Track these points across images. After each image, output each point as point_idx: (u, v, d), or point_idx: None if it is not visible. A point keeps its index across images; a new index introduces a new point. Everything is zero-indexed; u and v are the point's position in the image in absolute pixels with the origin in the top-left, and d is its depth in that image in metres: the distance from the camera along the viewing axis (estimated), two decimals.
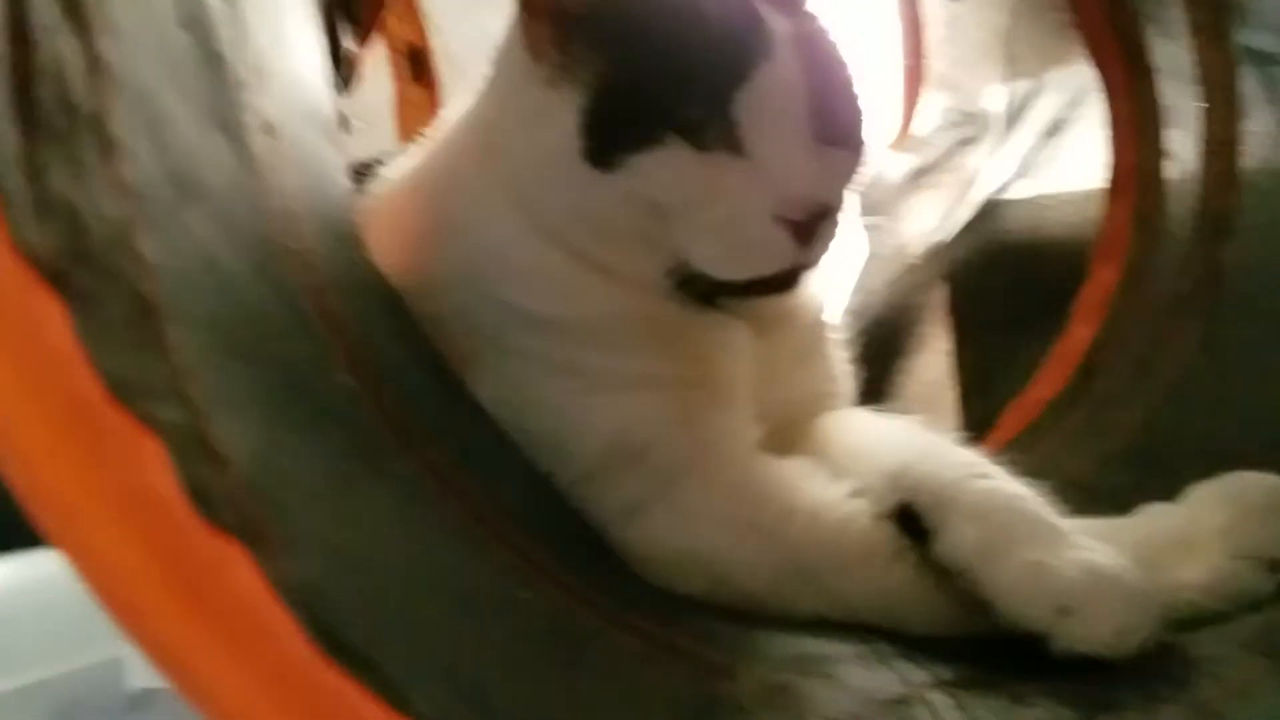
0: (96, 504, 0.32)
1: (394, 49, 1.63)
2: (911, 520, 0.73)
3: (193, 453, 0.35)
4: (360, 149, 1.09)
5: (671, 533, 0.78)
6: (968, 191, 1.46)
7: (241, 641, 0.34)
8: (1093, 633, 0.62)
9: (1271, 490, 0.71)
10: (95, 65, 0.37)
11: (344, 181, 0.81)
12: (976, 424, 1.13)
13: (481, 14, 1.63)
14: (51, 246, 0.33)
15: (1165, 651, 0.63)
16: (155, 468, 0.34)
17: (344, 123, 0.90)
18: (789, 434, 0.89)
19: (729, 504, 0.78)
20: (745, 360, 0.85)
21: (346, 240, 0.76)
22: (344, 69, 1.12)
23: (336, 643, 0.36)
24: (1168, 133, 1.08)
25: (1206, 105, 0.97)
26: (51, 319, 0.33)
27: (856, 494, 0.78)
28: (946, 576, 0.70)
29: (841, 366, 0.98)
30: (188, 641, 0.33)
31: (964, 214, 1.45)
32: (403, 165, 0.96)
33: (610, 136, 0.73)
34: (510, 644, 0.50)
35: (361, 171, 0.96)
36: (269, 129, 0.59)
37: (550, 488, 0.80)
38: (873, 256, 1.40)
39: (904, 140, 1.52)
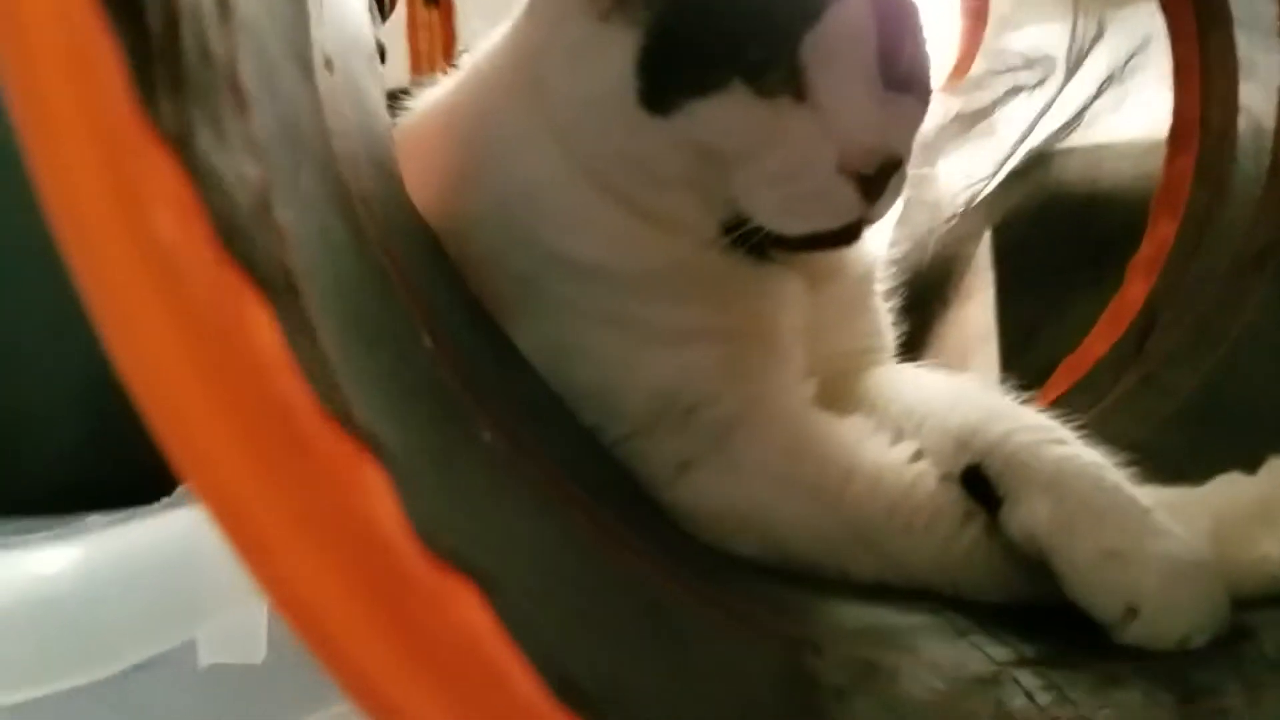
0: (309, 535, 0.29)
1: None
2: (979, 484, 0.71)
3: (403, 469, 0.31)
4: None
5: (723, 491, 0.75)
6: (1020, 139, 1.42)
7: (470, 686, 0.31)
8: (1158, 635, 0.61)
9: None
10: (224, 4, 0.34)
11: (385, 116, 0.78)
12: (1020, 379, 1.10)
13: None
14: (211, 229, 0.29)
15: (1253, 630, 0.61)
16: (376, 494, 0.30)
17: (382, 53, 0.86)
18: (835, 389, 0.86)
19: (784, 462, 0.76)
20: (798, 313, 0.82)
21: (392, 179, 0.73)
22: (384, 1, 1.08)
23: (567, 684, 0.33)
24: (1240, 85, 1.04)
25: None
26: (259, 325, 0.30)
27: (919, 455, 0.76)
28: (1014, 544, 0.68)
29: (886, 319, 0.95)
30: (409, 691, 0.30)
31: (1016, 161, 1.42)
32: (430, 97, 0.92)
33: (669, 79, 0.70)
34: (616, 625, 0.48)
35: (388, 101, 0.93)
36: (329, 63, 0.56)
37: (598, 444, 0.77)
38: (919, 203, 1.37)
39: (960, 81, 1.48)
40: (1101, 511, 0.65)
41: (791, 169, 0.69)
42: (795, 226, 0.72)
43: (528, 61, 0.79)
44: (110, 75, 0.28)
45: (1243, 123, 1.05)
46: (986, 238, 1.42)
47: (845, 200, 0.69)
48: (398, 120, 0.90)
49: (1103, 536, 0.64)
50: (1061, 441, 0.70)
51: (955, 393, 0.80)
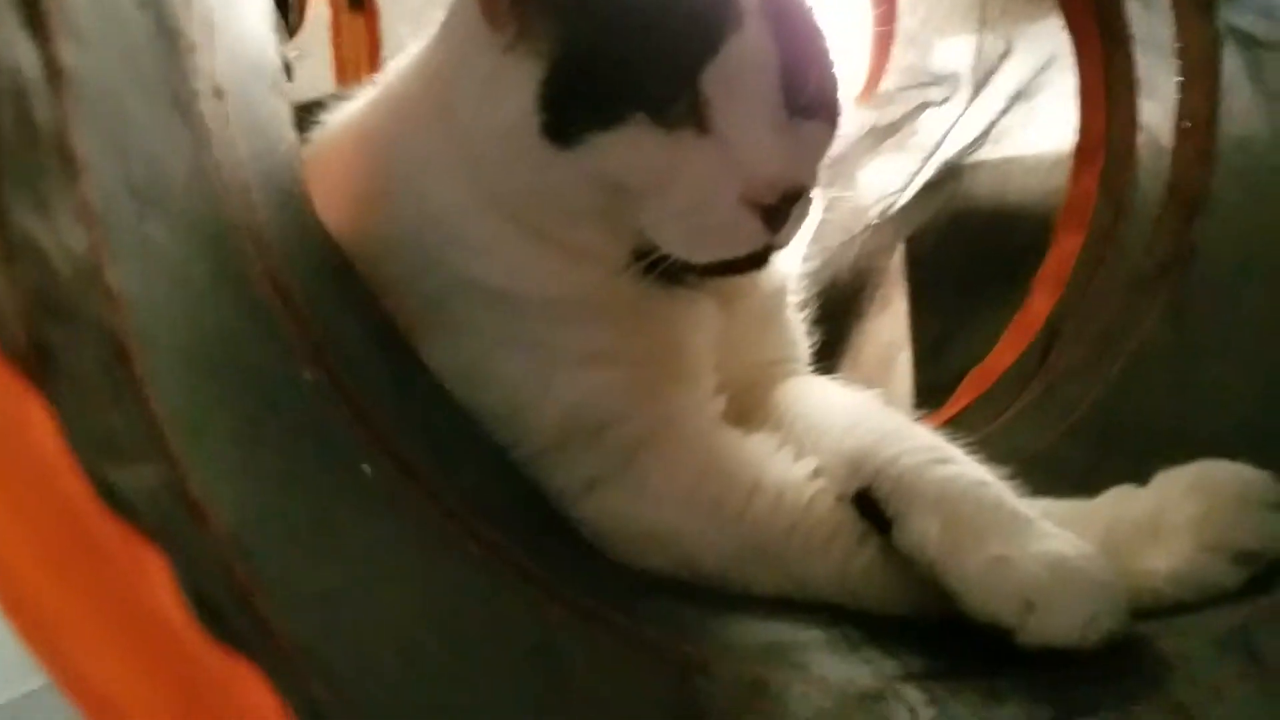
0: (97, 627, 0.28)
1: None
2: (869, 506, 0.72)
3: (185, 537, 0.31)
4: (295, 80, 1.04)
5: (631, 509, 0.76)
6: (930, 153, 1.44)
7: None
8: (1058, 627, 0.60)
9: (1245, 482, 0.70)
10: (55, 73, 0.33)
11: (290, 135, 0.77)
12: (932, 388, 1.13)
13: None
14: (21, 302, 0.28)
15: (1136, 645, 0.62)
16: (158, 583, 0.30)
17: (288, 70, 0.85)
18: (747, 401, 0.87)
19: (690, 481, 0.76)
20: (709, 332, 0.83)
21: (293, 199, 0.71)
22: (290, 13, 1.07)
23: None
24: (1141, 104, 1.07)
25: (1185, 81, 0.95)
26: (35, 421, 0.29)
27: (818, 473, 0.76)
28: (909, 562, 0.69)
29: (799, 331, 0.96)
30: None
31: (926, 175, 1.44)
32: (344, 113, 0.91)
33: (570, 112, 0.69)
34: (498, 669, 0.48)
35: (303, 114, 0.92)
36: (219, 93, 0.55)
37: (507, 462, 0.77)
38: (830, 216, 1.39)
39: (869, 97, 1.50)
40: (986, 524, 0.66)
41: (695, 201, 0.69)
42: (702, 255, 0.72)
43: (438, 87, 0.79)
44: None
45: (1143, 141, 1.07)
46: (899, 250, 1.44)
47: (750, 230, 0.69)
48: (311, 135, 0.90)
49: (989, 546, 0.64)
50: (946, 460, 0.71)
51: (853, 413, 0.80)
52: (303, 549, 0.38)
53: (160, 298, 0.38)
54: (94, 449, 0.29)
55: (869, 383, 0.89)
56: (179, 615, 0.30)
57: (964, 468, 0.70)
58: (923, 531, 0.67)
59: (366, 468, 0.51)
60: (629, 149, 0.69)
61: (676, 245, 0.71)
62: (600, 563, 0.74)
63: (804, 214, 0.73)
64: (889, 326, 1.42)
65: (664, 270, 0.73)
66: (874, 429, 0.75)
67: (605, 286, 0.77)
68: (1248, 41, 0.87)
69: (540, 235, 0.75)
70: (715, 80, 0.68)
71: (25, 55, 0.32)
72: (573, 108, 0.69)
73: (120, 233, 0.36)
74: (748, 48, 0.68)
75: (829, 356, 1.03)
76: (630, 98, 0.68)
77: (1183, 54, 0.95)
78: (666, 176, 0.69)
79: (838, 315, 1.11)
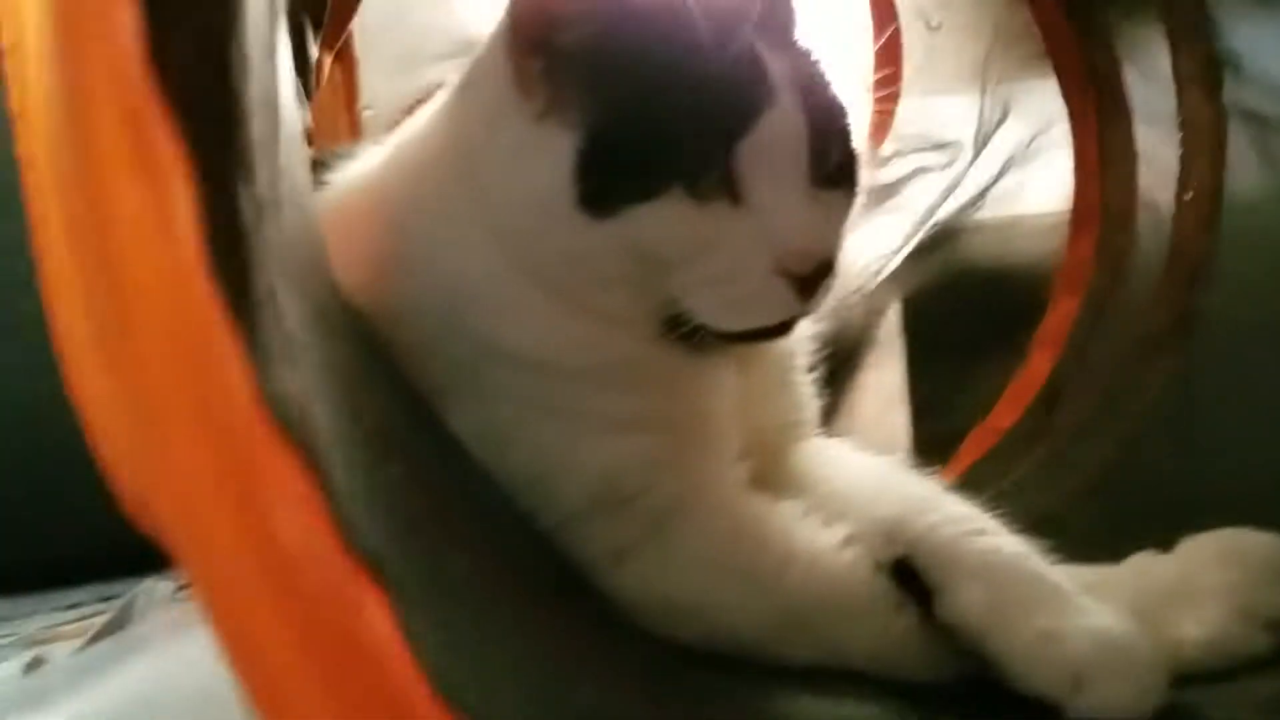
0: None
1: None
2: (908, 576, 0.72)
3: None
4: None
5: (663, 579, 0.75)
6: (928, 215, 1.47)
7: None
8: (1108, 704, 0.62)
9: (1273, 550, 0.72)
10: (258, 208, 0.34)
11: (314, 202, 0.78)
12: (928, 446, 1.14)
13: None
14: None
15: (1183, 714, 0.63)
16: None
17: (309, 136, 0.85)
18: (763, 465, 0.87)
19: (723, 549, 0.76)
20: (730, 398, 0.83)
21: (325, 273, 0.72)
22: (310, 77, 1.07)
23: None
24: (1141, 173, 1.09)
25: (1187, 152, 0.98)
26: (371, 609, 0.29)
27: (850, 540, 0.77)
28: (947, 629, 0.70)
29: (809, 393, 0.97)
30: None
31: (923, 237, 1.47)
32: (353, 173, 0.90)
33: (607, 185, 0.70)
34: None
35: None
36: (281, 173, 0.55)
37: (534, 531, 0.76)
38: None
39: (870, 158, 1.52)
40: (1031, 597, 0.67)
41: (729, 271, 0.70)
42: (735, 324, 0.73)
43: (462, 153, 0.79)
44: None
45: (1142, 209, 1.10)
46: (894, 309, 1.46)
47: (782, 300, 0.71)
48: (317, 195, 0.89)
49: (1036, 619, 0.65)
50: (984, 532, 0.72)
51: (880, 478, 0.82)
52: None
53: (322, 421, 0.38)
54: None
55: (865, 440, 0.90)
56: None
57: (1002, 539, 0.71)
58: (968, 603, 0.68)
59: (459, 560, 0.52)
60: (665, 221, 0.69)
61: (710, 314, 0.72)
62: (640, 635, 0.74)
63: (832, 284, 0.74)
64: (885, 384, 1.43)
65: (690, 336, 0.74)
66: (907, 495, 0.77)
67: (634, 353, 0.77)
68: (1255, 119, 0.90)
69: (570, 302, 0.76)
70: (750, 155, 0.69)
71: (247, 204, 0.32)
72: (610, 180, 0.70)
73: (308, 369, 0.36)
74: (781, 124, 0.70)
75: (826, 414, 1.05)
76: (667, 171, 0.69)
77: (1185, 127, 0.98)
78: (701, 247, 0.70)
79: (836, 374, 1.12)
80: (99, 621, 0.90)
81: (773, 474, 0.88)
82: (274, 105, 0.49)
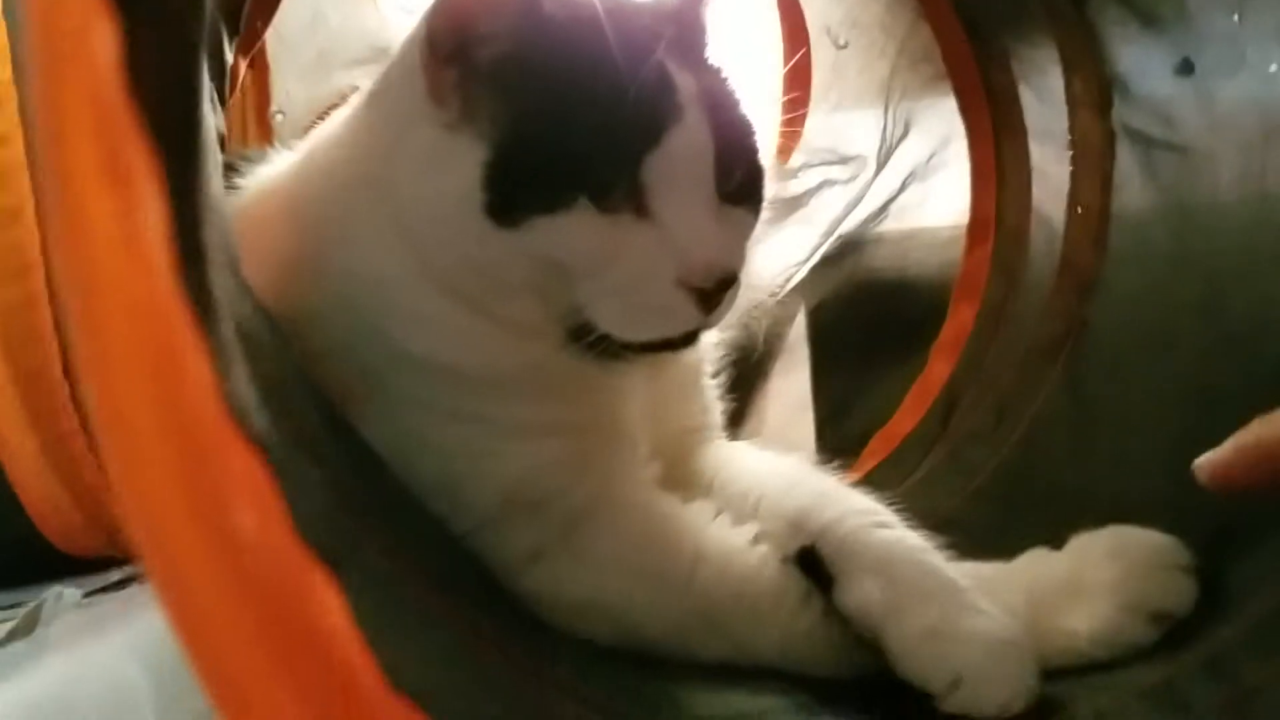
0: None
1: None
2: (812, 564, 0.76)
3: None
4: None
5: (575, 580, 0.77)
6: (834, 226, 1.51)
7: None
8: (979, 705, 0.66)
9: (1157, 547, 0.75)
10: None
11: (228, 211, 0.77)
12: (834, 449, 1.17)
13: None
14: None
15: (1066, 701, 0.67)
16: None
17: (222, 141, 0.84)
18: (670, 468, 0.89)
19: (633, 550, 0.78)
20: (639, 402, 0.85)
21: (243, 282, 0.70)
22: (225, 83, 1.07)
23: None
24: (1034, 188, 1.14)
25: (1077, 170, 1.03)
26: (324, 598, 0.31)
27: (760, 539, 0.79)
28: (847, 622, 0.73)
29: (714, 397, 1.00)
30: None
31: (829, 247, 1.51)
32: (265, 177, 0.90)
33: (514, 195, 0.71)
34: None
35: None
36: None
37: (446, 534, 0.77)
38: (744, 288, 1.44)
39: (777, 171, 1.56)
40: (924, 593, 0.71)
41: (632, 283, 0.72)
42: (638, 334, 0.74)
43: (373, 159, 0.79)
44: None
45: (1035, 223, 1.15)
46: (800, 317, 1.50)
47: (685, 312, 0.72)
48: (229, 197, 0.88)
49: (926, 616, 0.69)
50: (887, 525, 0.76)
51: (789, 475, 0.85)
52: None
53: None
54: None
55: (775, 443, 0.93)
56: None
57: (903, 533, 0.75)
58: (865, 593, 0.72)
59: (374, 557, 0.53)
60: (570, 232, 0.70)
61: (613, 324, 0.73)
62: (553, 635, 0.76)
63: (734, 297, 0.76)
64: (792, 390, 1.47)
65: (595, 345, 0.75)
66: (813, 490, 0.80)
67: (541, 361, 0.78)
68: (1142, 139, 0.95)
69: (476, 310, 0.76)
70: (656, 169, 0.71)
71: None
72: (516, 190, 0.71)
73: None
74: (688, 139, 0.72)
75: (735, 420, 1.08)
76: (573, 183, 0.70)
77: (1076, 146, 1.03)
78: (606, 258, 0.71)
79: (744, 381, 1.15)
80: (5, 628, 0.88)
81: (680, 476, 0.90)
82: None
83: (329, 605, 0.31)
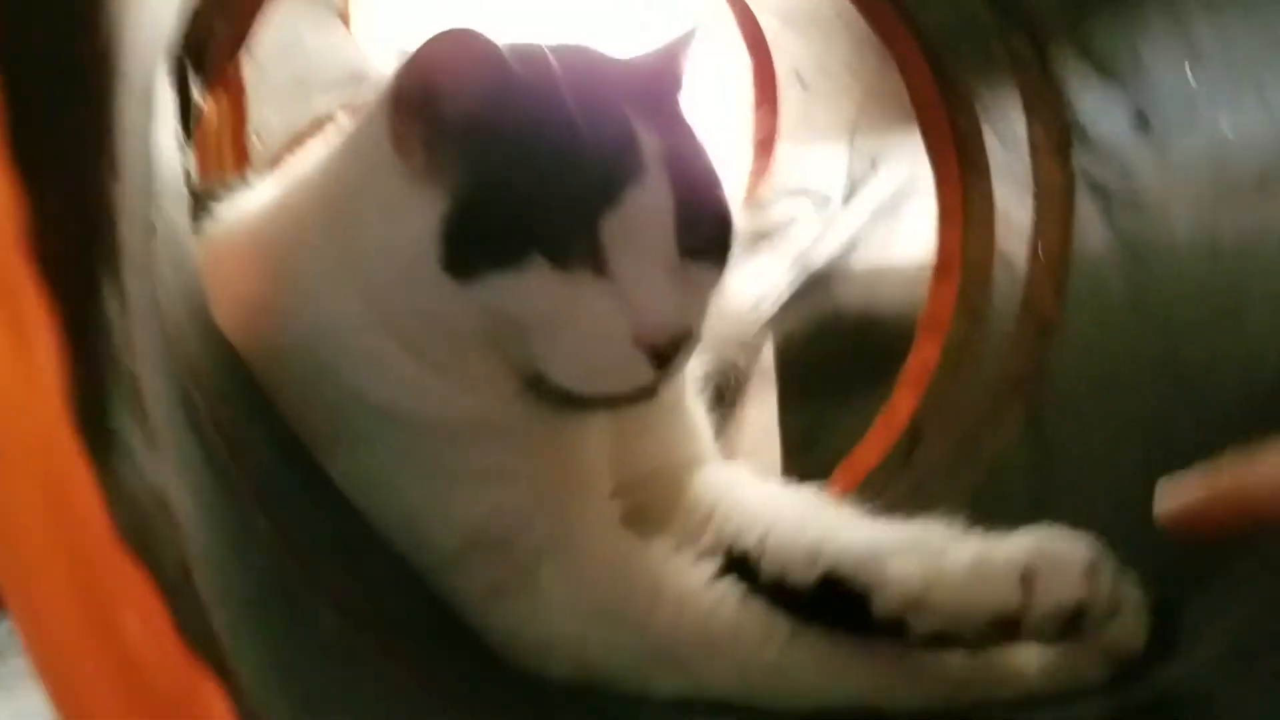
0: None
1: None
2: (836, 588, 0.76)
3: None
4: None
5: (533, 619, 0.78)
6: (801, 261, 1.53)
7: None
8: (1065, 585, 0.68)
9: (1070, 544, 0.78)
10: (124, 304, 0.35)
11: (193, 247, 0.78)
12: (797, 480, 1.19)
13: (293, 22, 1.61)
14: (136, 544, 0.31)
15: None
16: None
17: (188, 179, 0.85)
18: (662, 498, 0.91)
19: (591, 590, 0.79)
20: (602, 441, 0.86)
21: (206, 319, 0.73)
22: (192, 123, 1.06)
23: None
24: (997, 228, 1.17)
25: (1039, 217, 1.06)
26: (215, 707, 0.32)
27: (721, 574, 0.80)
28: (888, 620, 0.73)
29: (702, 423, 0.99)
30: None
31: (797, 281, 1.53)
32: (240, 207, 0.91)
33: (471, 250, 0.71)
34: None
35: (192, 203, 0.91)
36: (150, 229, 0.55)
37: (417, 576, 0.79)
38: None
39: (746, 203, 1.58)
40: (953, 541, 0.74)
41: (586, 339, 0.72)
42: (592, 389, 0.75)
43: (340, 201, 0.80)
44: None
45: (998, 262, 1.17)
46: (768, 349, 1.52)
47: (639, 370, 0.73)
48: (202, 226, 0.89)
49: (964, 552, 0.71)
50: (899, 528, 0.78)
51: (798, 509, 0.86)
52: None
53: (185, 499, 0.39)
54: None
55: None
56: None
57: (916, 529, 0.78)
58: (902, 574, 0.72)
59: (325, 615, 0.54)
60: (525, 289, 0.71)
61: (568, 379, 0.74)
62: (513, 675, 0.77)
63: (689, 353, 0.77)
64: (758, 420, 1.49)
65: (553, 397, 0.75)
66: (823, 523, 0.81)
67: (494, 411, 0.78)
68: (1100, 188, 0.97)
69: (431, 360, 0.77)
70: (614, 229, 0.71)
71: (113, 304, 0.34)
72: (473, 245, 0.71)
73: (168, 450, 0.37)
74: (646, 200, 0.72)
75: None
76: (530, 241, 0.70)
77: (1038, 191, 1.05)
78: (561, 315, 0.72)
79: (715, 409, 1.16)
80: None
81: (674, 505, 0.91)
82: (148, 169, 0.51)
83: (217, 710, 0.32)
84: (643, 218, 0.72)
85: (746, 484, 0.93)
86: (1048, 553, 0.70)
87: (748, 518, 0.86)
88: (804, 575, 0.78)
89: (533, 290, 0.71)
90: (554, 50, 0.75)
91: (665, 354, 0.73)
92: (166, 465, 0.36)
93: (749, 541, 0.83)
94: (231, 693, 0.32)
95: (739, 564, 0.83)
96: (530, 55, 0.74)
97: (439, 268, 0.72)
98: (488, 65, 0.71)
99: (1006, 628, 0.70)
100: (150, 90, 0.56)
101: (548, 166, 0.72)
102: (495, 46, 0.71)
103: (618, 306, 0.72)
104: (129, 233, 0.38)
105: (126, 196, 0.38)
